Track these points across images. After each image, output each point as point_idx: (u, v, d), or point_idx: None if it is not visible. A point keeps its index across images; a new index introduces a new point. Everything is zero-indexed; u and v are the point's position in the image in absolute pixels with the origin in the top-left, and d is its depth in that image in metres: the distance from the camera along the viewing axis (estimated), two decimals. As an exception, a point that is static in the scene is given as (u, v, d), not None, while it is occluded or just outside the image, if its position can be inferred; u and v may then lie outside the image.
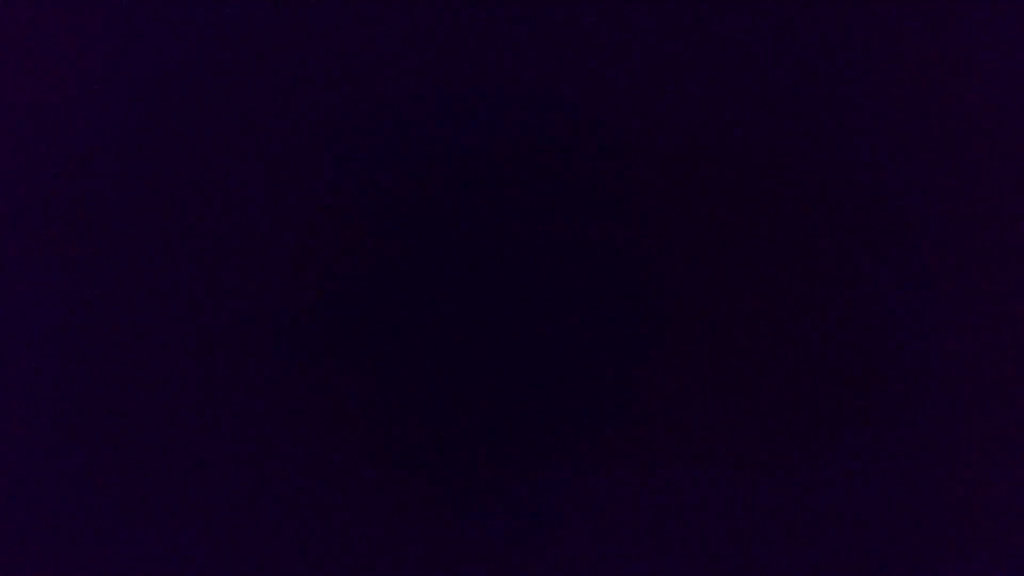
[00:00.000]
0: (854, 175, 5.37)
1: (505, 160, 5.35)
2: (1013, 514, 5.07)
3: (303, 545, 5.18)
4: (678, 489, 5.26)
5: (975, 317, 5.27)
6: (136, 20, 5.35)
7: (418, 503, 5.24)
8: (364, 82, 5.40)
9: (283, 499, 5.19)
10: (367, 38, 5.44)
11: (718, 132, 5.38)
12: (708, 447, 5.28)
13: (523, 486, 5.27)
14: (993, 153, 5.28)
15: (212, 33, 5.38)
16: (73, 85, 5.37)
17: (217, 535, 5.14)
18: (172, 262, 5.39)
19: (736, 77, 5.37)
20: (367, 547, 5.19)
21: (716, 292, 5.32)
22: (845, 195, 5.36)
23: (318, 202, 5.41)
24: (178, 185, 5.37)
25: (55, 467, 5.20)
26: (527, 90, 5.41)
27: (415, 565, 5.10)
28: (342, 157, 5.41)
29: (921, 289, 5.30)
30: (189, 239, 5.38)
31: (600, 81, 5.37)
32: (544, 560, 5.21)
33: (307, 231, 5.42)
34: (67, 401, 5.24)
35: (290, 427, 5.20)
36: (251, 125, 5.41)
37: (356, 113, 5.43)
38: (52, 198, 5.36)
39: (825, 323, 5.34)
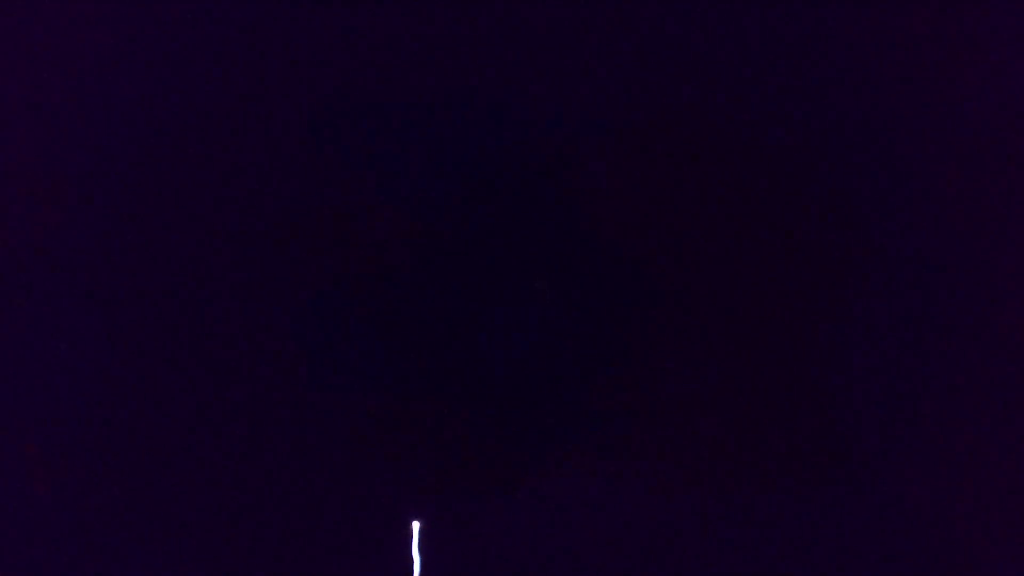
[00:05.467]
0: (850, 183, 5.37)
1: (509, 162, 5.34)
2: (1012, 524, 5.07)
3: (297, 545, 5.18)
4: (676, 494, 5.26)
5: (975, 323, 5.27)
6: (136, 20, 5.35)
7: (422, 500, 5.24)
8: (367, 85, 5.39)
9: (281, 501, 5.19)
10: (372, 41, 5.43)
11: (716, 138, 5.38)
12: (708, 455, 5.27)
13: (528, 486, 5.27)
14: (994, 159, 5.27)
15: (216, 34, 5.38)
16: (74, 86, 5.36)
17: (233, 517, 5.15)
18: (171, 263, 5.38)
19: (736, 80, 5.36)
20: (366, 542, 5.19)
21: (720, 297, 5.32)
22: (843, 201, 5.36)
23: (316, 203, 5.41)
24: (180, 186, 5.36)
25: (47, 467, 5.19)
26: (528, 93, 5.40)
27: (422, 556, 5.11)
28: (343, 158, 5.41)
29: (919, 293, 5.30)
30: (188, 240, 5.37)
31: (600, 84, 5.36)
32: (545, 558, 5.21)
33: (306, 233, 5.41)
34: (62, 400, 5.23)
35: (292, 430, 5.20)
36: (251, 126, 5.41)
37: (357, 115, 5.42)
38: (53, 198, 5.35)
39: (823, 330, 5.33)
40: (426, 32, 5.34)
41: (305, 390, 5.25)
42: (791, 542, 5.16)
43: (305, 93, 5.35)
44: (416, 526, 5.08)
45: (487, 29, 5.30)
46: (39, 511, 5.18)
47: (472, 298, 5.26)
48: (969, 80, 5.27)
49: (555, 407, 5.28)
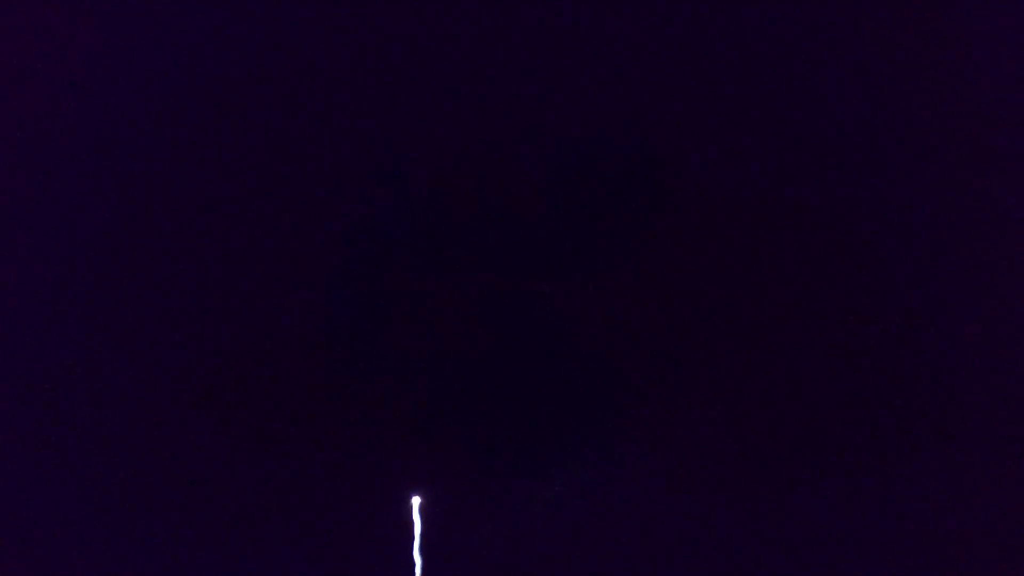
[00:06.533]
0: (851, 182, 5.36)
1: (510, 163, 5.33)
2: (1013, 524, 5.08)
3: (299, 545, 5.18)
4: (681, 490, 5.26)
5: (975, 325, 5.27)
6: (138, 20, 5.31)
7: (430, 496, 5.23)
8: (372, 85, 5.36)
9: (281, 502, 5.18)
10: (369, 40, 5.41)
11: (719, 138, 5.37)
12: (712, 453, 5.27)
13: (530, 484, 5.26)
14: (994, 157, 5.27)
15: (214, 34, 5.34)
16: (73, 86, 5.32)
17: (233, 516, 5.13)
18: (170, 263, 5.36)
19: (738, 81, 5.34)
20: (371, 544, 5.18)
21: (725, 300, 5.31)
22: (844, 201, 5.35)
23: (315, 203, 5.38)
24: (179, 185, 5.33)
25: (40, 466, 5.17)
26: (527, 95, 5.38)
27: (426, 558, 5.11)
28: (341, 159, 5.38)
29: (920, 294, 5.29)
30: (185, 240, 5.34)
31: (605, 89, 5.34)
32: (548, 557, 5.21)
33: (305, 233, 5.39)
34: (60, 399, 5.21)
35: (295, 429, 5.19)
36: (249, 126, 5.37)
37: (355, 115, 5.40)
38: (53, 198, 5.32)
39: (826, 330, 5.33)
40: (433, 35, 5.32)
41: (317, 382, 5.26)
42: (793, 541, 5.17)
43: (310, 94, 5.33)
44: (416, 501, 5.10)
45: (494, 32, 5.29)
46: (39, 510, 5.17)
47: (477, 297, 5.26)
48: (970, 79, 5.28)
49: (558, 403, 5.28)
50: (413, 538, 5.21)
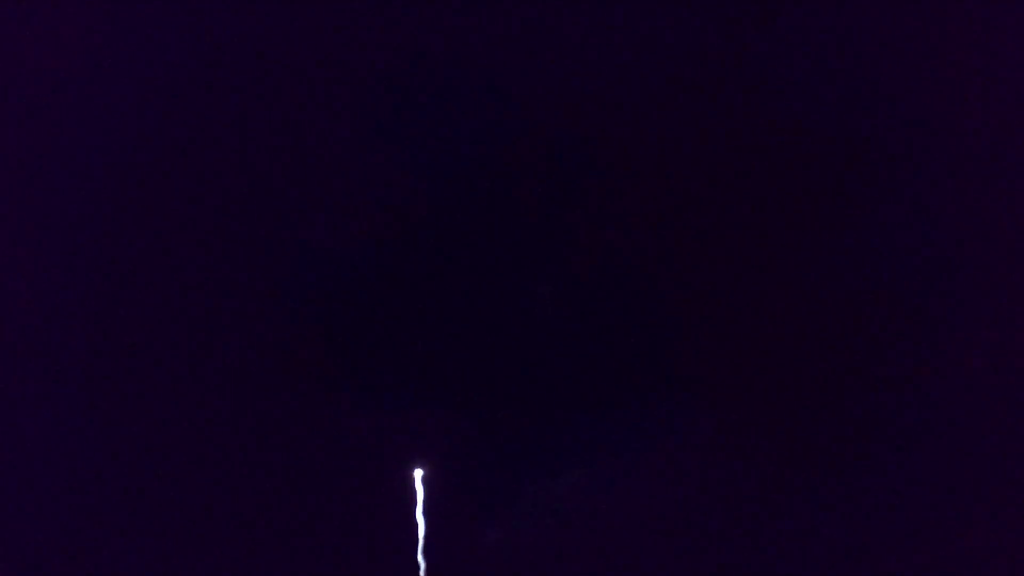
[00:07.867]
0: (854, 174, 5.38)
1: (512, 162, 5.33)
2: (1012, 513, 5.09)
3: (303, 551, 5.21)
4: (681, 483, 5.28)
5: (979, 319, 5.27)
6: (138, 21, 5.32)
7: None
8: (373, 83, 5.37)
9: (281, 511, 5.21)
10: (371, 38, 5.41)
11: (718, 135, 5.37)
12: (712, 442, 5.29)
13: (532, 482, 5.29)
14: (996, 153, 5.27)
15: (216, 34, 5.35)
16: (75, 85, 5.34)
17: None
18: (168, 262, 5.38)
19: (737, 74, 5.35)
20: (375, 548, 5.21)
21: (726, 299, 5.33)
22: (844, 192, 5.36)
23: (317, 201, 5.40)
24: (178, 185, 5.36)
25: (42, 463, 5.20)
26: (527, 92, 5.39)
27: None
28: (344, 157, 5.40)
29: (919, 283, 5.30)
30: (186, 238, 5.37)
31: (600, 80, 5.34)
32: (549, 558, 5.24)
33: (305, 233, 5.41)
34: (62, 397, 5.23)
35: (298, 438, 5.22)
36: (248, 125, 5.39)
37: (357, 114, 5.41)
38: (53, 198, 5.34)
39: (824, 323, 5.34)
40: (437, 32, 5.34)
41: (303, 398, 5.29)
42: (793, 541, 5.19)
43: (310, 93, 5.34)
44: (419, 474, 5.18)
45: (494, 27, 5.30)
46: (40, 510, 5.20)
47: (480, 294, 5.28)
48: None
49: (561, 399, 5.30)
50: (415, 507, 5.28)
